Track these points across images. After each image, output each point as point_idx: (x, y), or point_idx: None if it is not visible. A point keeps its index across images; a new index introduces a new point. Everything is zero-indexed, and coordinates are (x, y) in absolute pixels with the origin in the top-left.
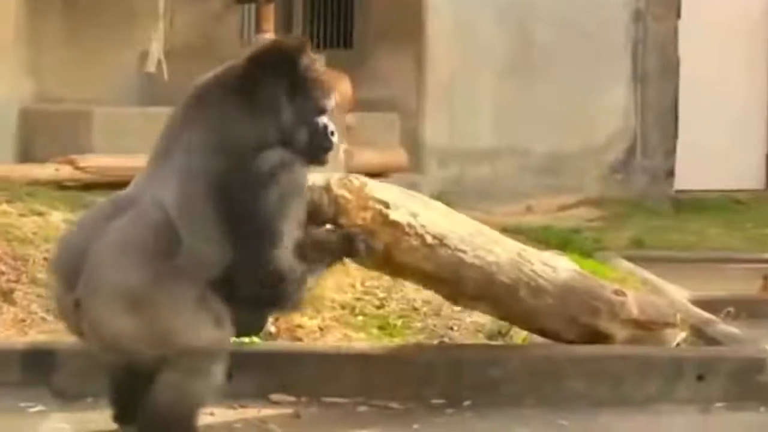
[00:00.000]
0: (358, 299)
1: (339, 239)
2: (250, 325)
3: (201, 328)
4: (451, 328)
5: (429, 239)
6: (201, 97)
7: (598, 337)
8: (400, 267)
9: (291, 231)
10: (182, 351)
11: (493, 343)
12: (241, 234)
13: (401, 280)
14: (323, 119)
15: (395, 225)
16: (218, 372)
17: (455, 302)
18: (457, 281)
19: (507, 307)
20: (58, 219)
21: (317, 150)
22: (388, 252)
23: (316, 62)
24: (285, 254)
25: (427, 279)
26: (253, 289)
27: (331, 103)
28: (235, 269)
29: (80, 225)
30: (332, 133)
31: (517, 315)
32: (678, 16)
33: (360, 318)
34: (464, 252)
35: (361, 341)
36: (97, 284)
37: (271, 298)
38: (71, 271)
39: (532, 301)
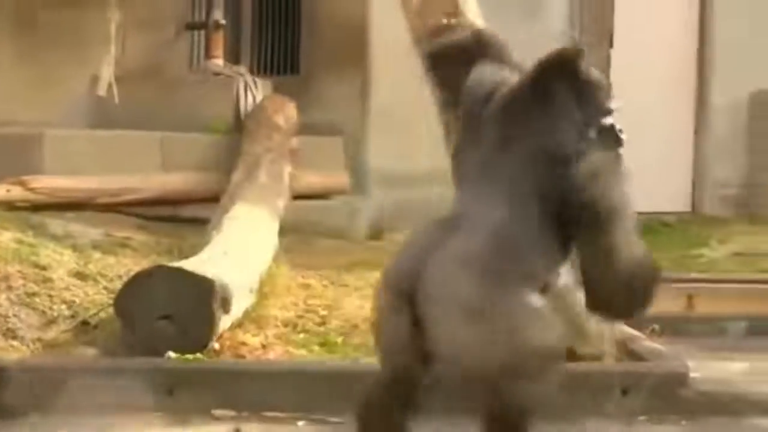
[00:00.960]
0: (300, 317)
1: None
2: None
3: (545, 331)
4: None
5: None
6: (501, 114)
7: None
8: None
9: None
10: (529, 355)
11: None
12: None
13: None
14: (609, 119)
15: None
16: (555, 378)
17: None
18: None
19: None
20: (8, 239)
21: (610, 147)
22: None
23: (592, 68)
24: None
25: None
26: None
27: (613, 105)
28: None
29: (413, 244)
30: (620, 131)
31: None
32: (611, 45)
33: (302, 335)
34: None
35: (302, 358)
36: (437, 299)
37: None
38: (406, 286)
39: None
